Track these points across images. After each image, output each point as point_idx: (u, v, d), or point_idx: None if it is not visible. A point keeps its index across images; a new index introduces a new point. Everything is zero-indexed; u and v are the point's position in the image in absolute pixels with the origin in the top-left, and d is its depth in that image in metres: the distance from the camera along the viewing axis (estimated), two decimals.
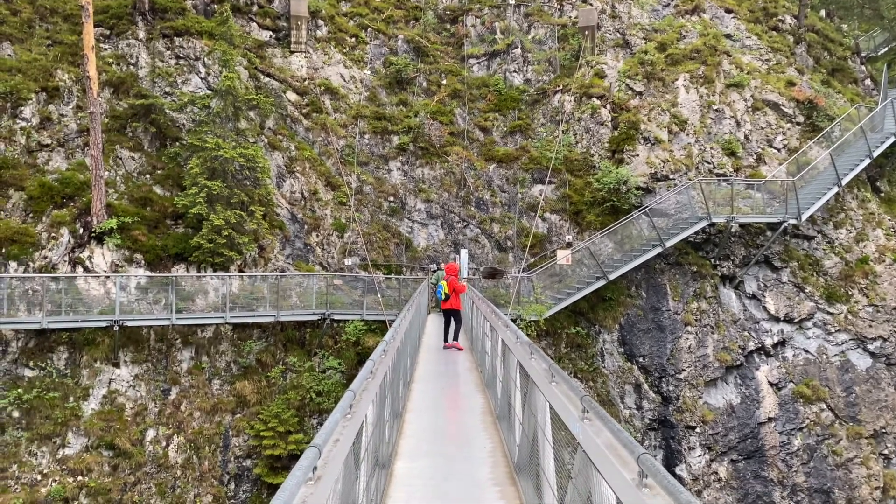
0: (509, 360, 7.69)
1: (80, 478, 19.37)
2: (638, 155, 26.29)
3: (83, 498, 19.24)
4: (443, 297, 16.79)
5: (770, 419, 23.88)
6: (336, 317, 22.80)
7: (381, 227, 26.14)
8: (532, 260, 25.27)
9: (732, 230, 24.94)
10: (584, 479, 3.69)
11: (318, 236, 25.20)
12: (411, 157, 27.49)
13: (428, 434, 8.00)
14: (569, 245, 25.41)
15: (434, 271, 25.26)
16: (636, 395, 23.70)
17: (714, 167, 26.44)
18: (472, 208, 26.82)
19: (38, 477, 18.90)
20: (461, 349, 16.39)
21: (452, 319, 16.62)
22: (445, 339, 16.57)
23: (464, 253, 25.69)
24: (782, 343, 24.88)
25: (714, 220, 23.88)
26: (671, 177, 25.91)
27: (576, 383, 4.25)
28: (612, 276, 23.21)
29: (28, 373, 19.74)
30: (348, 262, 24.90)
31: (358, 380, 4.81)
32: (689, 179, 25.51)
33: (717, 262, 25.30)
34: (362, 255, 25.01)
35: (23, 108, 22.84)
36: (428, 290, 24.30)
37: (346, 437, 3.78)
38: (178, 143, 24.41)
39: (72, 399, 19.84)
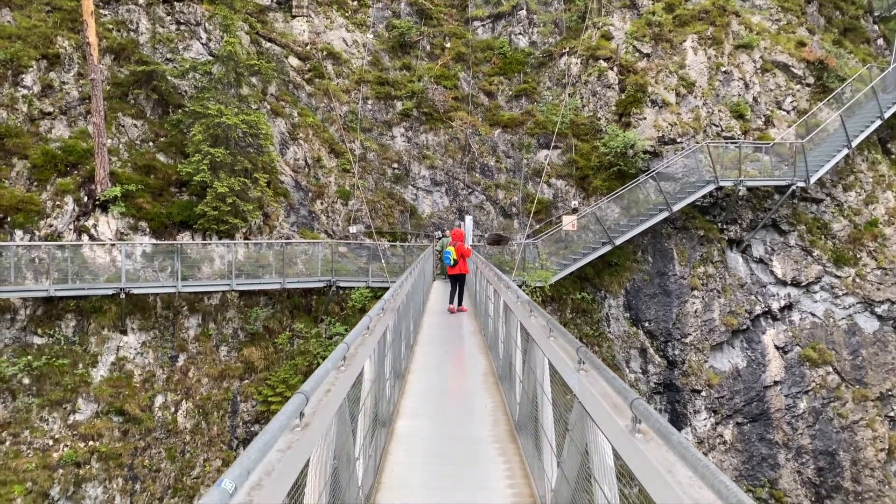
0: (510, 320, 7.65)
1: (91, 443, 19.61)
2: (645, 118, 25.95)
3: (94, 462, 19.51)
4: (451, 262, 16.80)
5: (776, 382, 23.89)
6: (342, 284, 22.82)
7: (386, 195, 26.01)
8: (537, 226, 25.14)
9: (740, 194, 24.70)
10: (580, 430, 3.65)
11: (322, 204, 25.12)
12: (415, 123, 27.23)
13: (430, 394, 8.01)
14: (574, 211, 25.24)
15: (439, 238, 25.14)
16: (642, 360, 23.73)
17: (722, 130, 26.09)
18: (477, 175, 26.62)
19: (50, 442, 19.16)
20: (465, 310, 16.45)
21: (458, 285, 16.67)
22: (451, 303, 16.63)
23: (468, 220, 25.55)
24: (789, 307, 24.79)
25: (722, 183, 23.63)
26: (679, 140, 25.59)
27: (573, 337, 4.19)
28: (618, 242, 23.08)
29: (37, 340, 19.89)
30: (353, 229, 24.84)
31: (353, 334, 4.73)
32: (697, 143, 25.19)
33: (724, 227, 25.10)
34: (367, 222, 24.94)
35: (23, 75, 22.67)
36: (433, 258, 24.25)
37: (340, 387, 3.67)
38: (180, 111, 24.23)
39: (81, 366, 20.00)
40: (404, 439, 6.21)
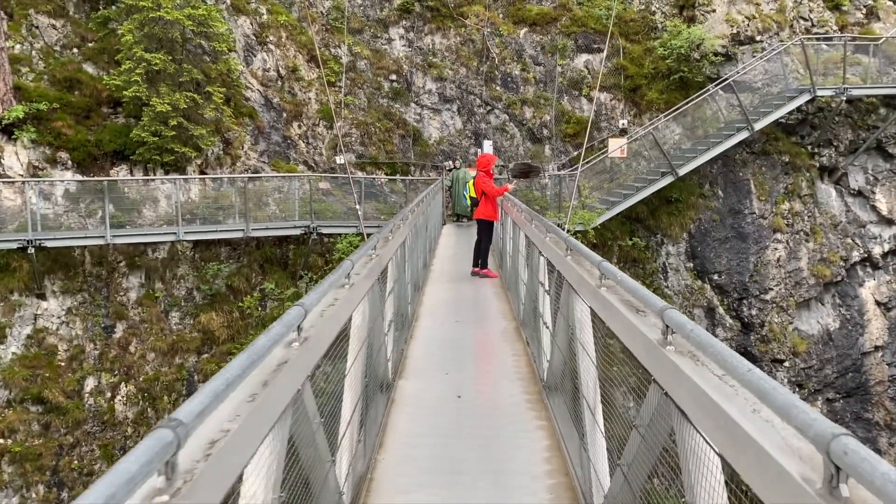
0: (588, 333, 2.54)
1: (1, 441, 15.20)
2: (714, 10, 20.17)
3: (6, 466, 15.18)
4: (468, 202, 11.65)
5: (877, 348, 19.20)
6: (324, 230, 17.82)
7: (382, 115, 20.67)
8: (574, 153, 19.81)
9: (839, 108, 19.12)
10: None
11: (300, 127, 19.85)
12: (418, 22, 21.56)
13: None
14: (623, 132, 19.83)
15: (449, 170, 20.17)
16: (708, 322, 18.78)
17: (813, 25, 20.36)
18: (498, 88, 21.15)
19: None
20: (492, 276, 11.36)
21: (484, 235, 11.55)
22: (475, 264, 11.54)
23: (487, 145, 20.41)
24: (894, 252, 19.67)
25: (819, 93, 18.12)
26: (758, 39, 19.88)
27: None
28: (681, 172, 17.80)
29: None
30: (340, 159, 19.62)
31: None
32: (782, 41, 19.56)
33: (816, 150, 19.64)
34: (358, 150, 19.71)
35: None
36: (442, 196, 19.18)
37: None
38: (113, 6, 18.77)
39: None
40: None
